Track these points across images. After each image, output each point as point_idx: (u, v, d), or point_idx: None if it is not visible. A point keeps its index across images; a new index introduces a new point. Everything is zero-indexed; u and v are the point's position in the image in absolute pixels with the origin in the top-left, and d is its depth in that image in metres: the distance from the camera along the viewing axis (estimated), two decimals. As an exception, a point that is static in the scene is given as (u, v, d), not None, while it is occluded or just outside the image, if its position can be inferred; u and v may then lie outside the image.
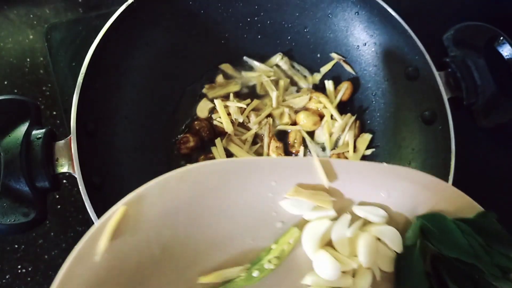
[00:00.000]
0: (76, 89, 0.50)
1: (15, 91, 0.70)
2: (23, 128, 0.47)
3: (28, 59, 0.72)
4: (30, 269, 0.60)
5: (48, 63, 0.70)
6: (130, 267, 0.34)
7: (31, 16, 0.75)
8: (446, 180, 0.53)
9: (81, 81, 0.51)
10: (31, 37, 0.73)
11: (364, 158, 0.62)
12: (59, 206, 0.63)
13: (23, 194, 0.45)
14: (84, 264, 0.32)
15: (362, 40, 0.62)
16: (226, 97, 0.63)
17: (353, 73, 0.65)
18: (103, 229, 0.33)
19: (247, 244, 0.38)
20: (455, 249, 0.37)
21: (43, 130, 0.48)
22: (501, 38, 0.60)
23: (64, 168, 0.48)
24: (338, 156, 0.61)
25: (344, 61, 0.65)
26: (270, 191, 0.38)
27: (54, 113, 0.68)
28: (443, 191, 0.40)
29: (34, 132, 0.48)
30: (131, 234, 0.34)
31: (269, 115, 0.62)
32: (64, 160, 0.48)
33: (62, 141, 0.49)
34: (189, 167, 0.36)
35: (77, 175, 0.47)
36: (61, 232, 0.62)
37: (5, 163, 0.45)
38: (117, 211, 0.33)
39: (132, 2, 0.54)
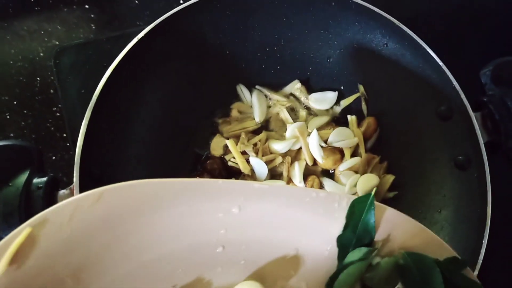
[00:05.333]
0: (80, 134, 0.46)
1: (25, 111, 0.68)
2: (24, 176, 0.44)
3: (38, 78, 0.69)
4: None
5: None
6: None
7: (42, 32, 0.72)
8: (482, 232, 0.48)
9: (87, 122, 0.47)
10: (41, 54, 0.71)
11: (385, 201, 0.57)
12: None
13: (22, 252, 0.42)
14: None
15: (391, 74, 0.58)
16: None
17: (365, 114, 0.61)
18: (2, 252, 0.30)
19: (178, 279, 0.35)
20: None
21: (45, 179, 0.45)
22: (546, 75, 0.54)
23: (67, 221, 0.44)
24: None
25: (365, 98, 0.60)
26: (219, 213, 0.35)
27: (64, 135, 0.66)
28: (409, 228, 0.37)
29: (35, 180, 0.45)
30: (35, 258, 0.31)
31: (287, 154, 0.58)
32: (67, 211, 0.45)
33: (66, 191, 0.46)
34: (105, 187, 0.33)
35: (80, 228, 0.44)
36: None
37: (3, 216, 0.42)
38: (19, 232, 0.31)
39: (143, 37, 0.51)
